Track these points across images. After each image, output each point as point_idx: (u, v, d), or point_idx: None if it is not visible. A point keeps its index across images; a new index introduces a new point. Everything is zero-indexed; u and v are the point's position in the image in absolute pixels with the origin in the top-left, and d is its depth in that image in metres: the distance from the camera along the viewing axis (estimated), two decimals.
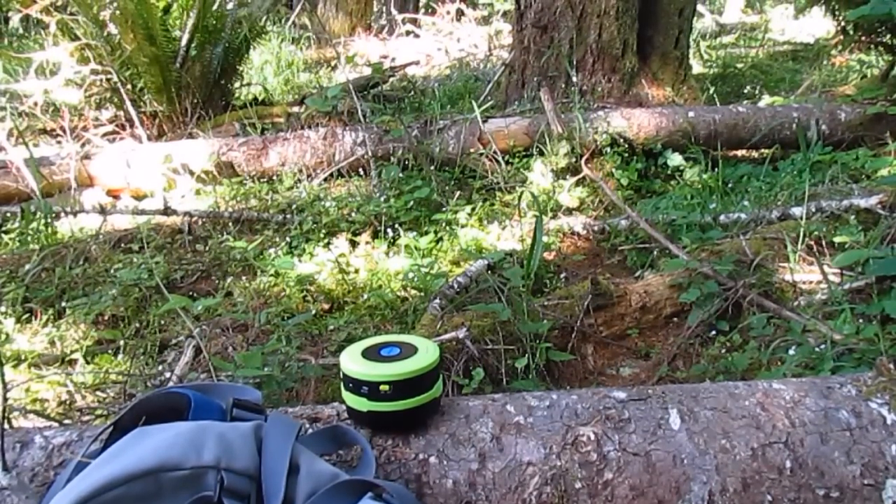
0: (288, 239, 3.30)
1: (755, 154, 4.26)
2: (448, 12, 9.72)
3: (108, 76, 4.74)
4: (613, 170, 3.91)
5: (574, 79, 4.71)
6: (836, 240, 2.69)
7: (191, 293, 2.91)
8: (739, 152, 4.28)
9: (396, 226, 3.33)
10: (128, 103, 4.63)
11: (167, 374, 2.21)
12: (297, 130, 4.34)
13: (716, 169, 3.82)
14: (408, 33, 9.50)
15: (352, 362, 1.14)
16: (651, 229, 3.02)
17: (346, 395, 1.14)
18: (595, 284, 2.50)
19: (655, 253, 2.98)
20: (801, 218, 2.89)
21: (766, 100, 4.94)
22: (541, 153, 3.98)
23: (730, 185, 3.76)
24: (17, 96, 4.85)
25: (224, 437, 0.94)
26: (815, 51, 7.43)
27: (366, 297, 2.76)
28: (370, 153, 4.02)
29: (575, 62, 4.74)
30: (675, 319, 2.55)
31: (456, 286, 2.62)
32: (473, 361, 2.13)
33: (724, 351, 2.30)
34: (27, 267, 2.91)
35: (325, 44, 8.77)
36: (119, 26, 4.76)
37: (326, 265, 2.98)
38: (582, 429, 1.16)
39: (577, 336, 2.42)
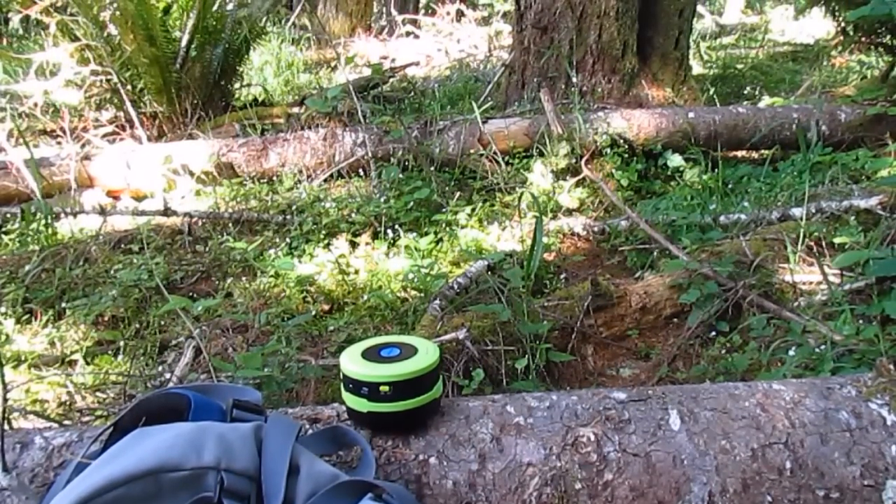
0: (288, 240, 3.30)
1: (755, 155, 4.26)
2: (448, 13, 9.73)
3: (108, 77, 4.74)
4: (613, 170, 3.92)
5: (574, 79, 4.71)
6: (836, 241, 2.69)
7: (191, 294, 2.91)
8: (739, 153, 4.28)
9: (396, 226, 3.33)
10: (128, 104, 4.63)
11: (167, 375, 2.21)
12: (297, 131, 4.34)
13: (716, 170, 3.82)
14: (408, 34, 9.50)
15: (352, 363, 1.14)
16: (651, 230, 3.01)
17: (346, 395, 1.14)
18: (595, 285, 2.50)
19: (655, 254, 2.98)
20: (801, 219, 2.89)
21: (766, 100, 4.94)
22: (541, 154, 3.98)
23: (730, 186, 3.76)
24: (17, 97, 4.85)
25: (224, 437, 0.94)
26: (815, 51, 7.44)
27: (366, 297, 2.76)
28: (370, 154, 4.02)
29: (575, 63, 4.74)
30: (675, 320, 2.55)
31: (456, 287, 2.62)
32: (473, 362, 2.13)
33: (724, 352, 2.30)
34: (27, 268, 2.91)
35: (325, 44, 8.77)
36: (119, 27, 4.76)
37: (326, 266, 2.98)
38: (582, 429, 1.16)
39: (577, 337, 2.42)
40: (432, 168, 3.88)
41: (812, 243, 2.71)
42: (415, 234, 3.30)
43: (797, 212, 3.01)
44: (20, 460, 1.12)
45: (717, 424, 1.18)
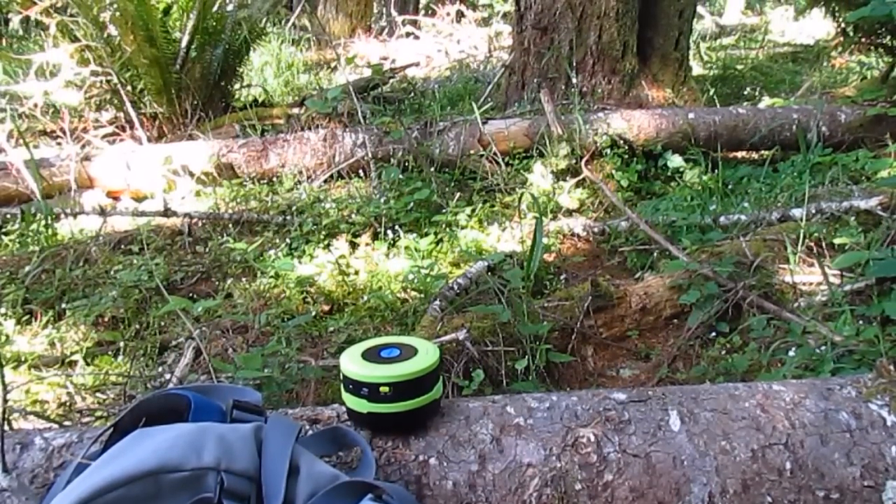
0: (288, 240, 3.30)
1: (755, 155, 4.26)
2: (448, 14, 9.73)
3: (108, 78, 4.74)
4: (613, 171, 3.91)
5: (574, 80, 4.71)
6: (837, 241, 2.69)
7: (191, 295, 2.91)
8: (739, 154, 4.28)
9: (396, 227, 3.33)
10: (128, 105, 4.63)
11: (167, 376, 2.21)
12: (297, 132, 4.34)
13: (716, 170, 3.82)
14: (408, 35, 9.50)
15: (352, 364, 1.14)
16: (651, 231, 3.01)
17: (346, 396, 1.14)
18: (595, 286, 2.50)
19: (655, 254, 2.98)
20: (802, 219, 2.89)
21: (766, 101, 4.94)
22: (541, 155, 3.98)
23: (730, 187, 3.76)
24: (17, 98, 4.85)
25: (224, 438, 0.94)
26: (815, 52, 7.44)
27: (366, 298, 2.76)
28: (370, 155, 4.02)
29: (575, 64, 4.74)
30: (675, 321, 2.55)
31: (456, 288, 2.62)
32: (473, 363, 2.13)
33: (724, 352, 2.30)
34: (27, 268, 2.91)
35: (325, 45, 8.78)
36: (119, 28, 4.76)
37: (326, 267, 2.98)
38: (582, 430, 1.16)
39: (577, 337, 2.41)
40: (432, 169, 3.88)
41: (812, 244, 2.71)
42: (415, 234, 3.30)
43: (797, 212, 3.01)
44: (20, 461, 1.12)
45: (717, 425, 1.18)
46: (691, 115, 4.11)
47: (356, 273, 3.00)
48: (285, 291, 2.84)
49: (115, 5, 4.70)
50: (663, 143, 4.04)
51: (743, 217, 3.15)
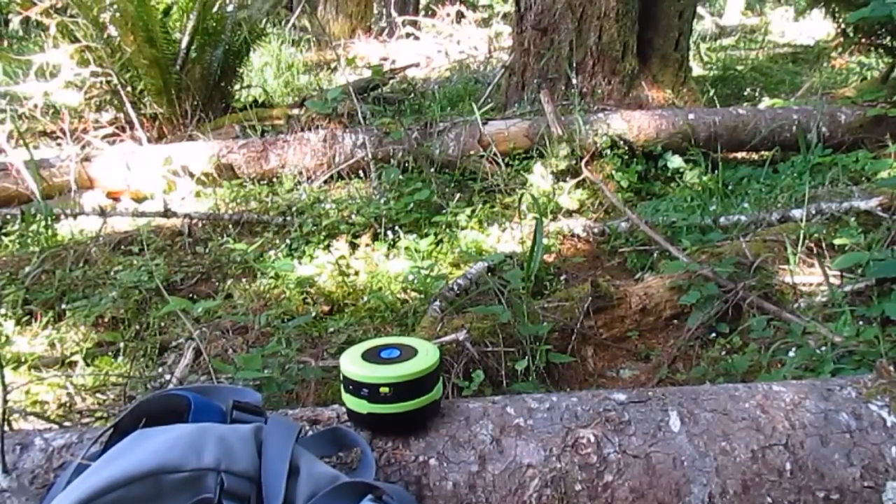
0: (288, 241, 3.30)
1: (755, 156, 4.26)
2: (448, 14, 9.74)
3: (108, 78, 4.74)
4: (613, 172, 3.91)
5: (574, 81, 4.71)
6: (837, 242, 2.69)
7: (191, 295, 2.90)
8: (739, 154, 4.28)
9: (396, 228, 3.33)
10: (128, 105, 4.63)
11: (167, 377, 2.21)
12: (297, 132, 4.34)
13: (716, 171, 3.82)
14: (408, 35, 9.51)
15: (352, 364, 1.14)
16: (651, 231, 3.01)
17: (346, 397, 1.14)
18: (595, 286, 2.50)
19: (655, 255, 2.98)
20: (802, 220, 2.89)
21: (766, 102, 4.94)
22: (541, 155, 3.98)
23: (730, 188, 3.76)
24: (17, 98, 4.85)
25: (224, 439, 0.94)
26: (815, 53, 7.44)
27: (366, 299, 2.76)
28: (370, 155, 4.02)
29: (575, 64, 4.74)
30: (675, 321, 2.55)
31: (456, 288, 2.62)
32: (473, 363, 2.13)
33: (724, 353, 2.30)
34: (27, 269, 2.91)
35: (325, 46, 8.78)
36: (119, 28, 4.76)
37: (326, 267, 2.98)
38: (582, 431, 1.16)
39: (577, 338, 2.41)
40: (432, 169, 3.88)
41: (812, 245, 2.71)
42: (415, 235, 3.30)
43: (797, 213, 3.01)
44: (20, 462, 1.12)
45: (717, 426, 1.18)
46: (691, 116, 4.11)
47: (356, 274, 3.00)
48: (285, 292, 2.84)
49: (116, 6, 4.70)
50: (663, 144, 4.04)
51: (743, 218, 3.15)
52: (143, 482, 0.86)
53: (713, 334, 2.41)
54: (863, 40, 4.81)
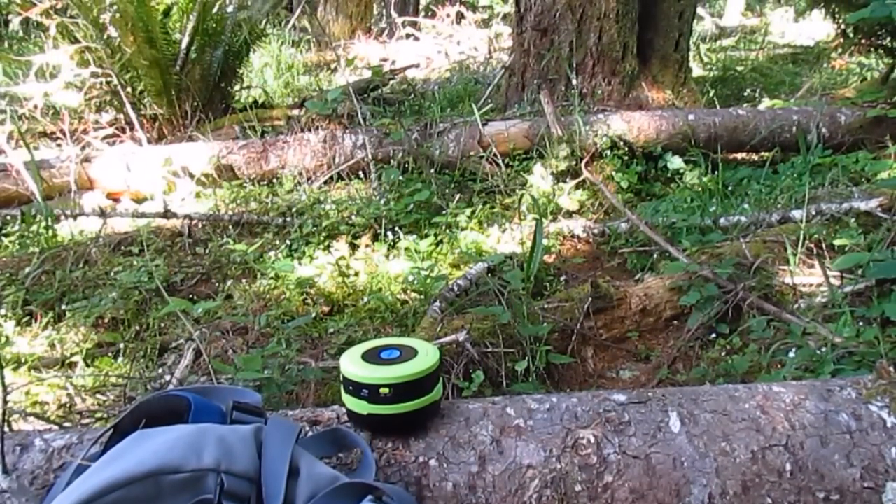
0: (288, 242, 3.30)
1: (755, 157, 4.26)
2: (448, 15, 9.73)
3: (108, 79, 4.75)
4: (613, 173, 3.91)
5: (574, 82, 4.72)
6: (836, 243, 2.69)
7: (191, 296, 2.90)
8: (739, 155, 4.28)
9: (396, 229, 3.33)
10: (128, 106, 4.63)
11: (167, 377, 2.21)
12: (297, 133, 4.34)
13: (716, 172, 3.82)
14: (408, 36, 9.51)
15: (352, 365, 1.14)
16: (651, 232, 3.02)
17: (346, 397, 1.15)
18: (595, 287, 2.50)
19: (655, 256, 2.98)
20: (801, 221, 2.89)
21: (766, 103, 4.94)
22: (541, 156, 3.98)
23: (730, 188, 3.76)
24: (17, 99, 4.85)
25: (224, 439, 0.94)
26: (815, 54, 7.45)
27: (366, 300, 2.76)
28: (370, 156, 4.02)
29: (575, 65, 4.74)
30: (675, 322, 2.55)
31: (456, 289, 2.62)
32: (473, 364, 2.13)
33: (724, 354, 2.30)
34: (27, 270, 2.91)
35: (325, 47, 8.78)
36: (119, 29, 4.77)
37: (326, 268, 2.98)
38: (582, 432, 1.16)
39: (577, 339, 2.41)
40: (432, 170, 3.88)
41: (812, 245, 2.71)
42: (415, 236, 3.30)
43: (797, 214, 3.01)
44: (20, 462, 1.12)
45: (717, 426, 1.18)
46: (691, 117, 4.11)
47: (356, 274, 3.00)
48: (285, 293, 2.84)
49: (116, 7, 4.70)
50: (663, 145, 4.04)
51: (743, 218, 3.15)
52: (143, 483, 0.86)
53: (713, 335, 2.41)
54: (863, 41, 4.82)
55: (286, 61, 7.31)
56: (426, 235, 3.32)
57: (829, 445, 1.16)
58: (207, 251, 3.27)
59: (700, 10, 9.65)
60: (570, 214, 3.63)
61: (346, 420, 1.18)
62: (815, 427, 1.18)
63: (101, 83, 4.84)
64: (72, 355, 2.47)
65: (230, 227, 3.49)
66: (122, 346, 2.53)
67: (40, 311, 2.74)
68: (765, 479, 1.13)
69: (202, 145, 4.21)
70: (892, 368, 1.27)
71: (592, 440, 1.15)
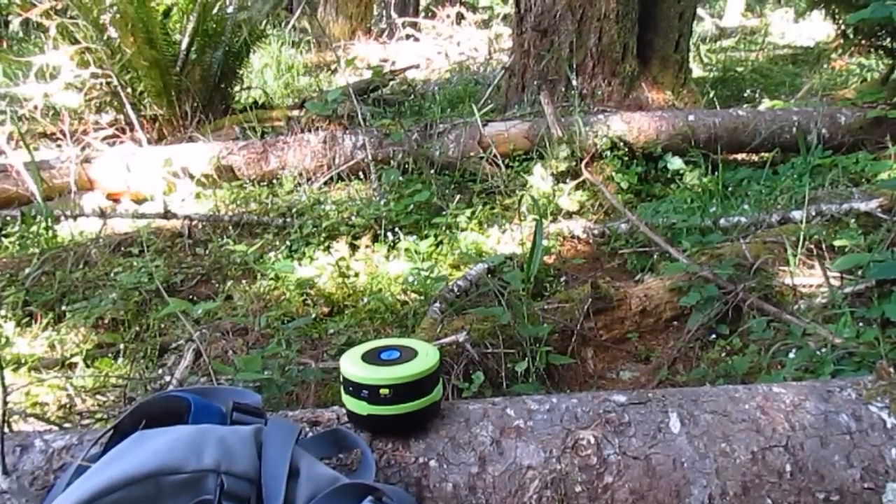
0: (288, 242, 3.30)
1: (755, 158, 4.26)
2: (448, 16, 9.74)
3: (108, 80, 4.75)
4: (613, 173, 3.92)
5: (574, 82, 4.72)
6: (837, 243, 2.69)
7: (191, 297, 2.90)
8: (739, 156, 4.28)
9: (396, 229, 3.33)
10: (128, 107, 4.63)
11: (167, 378, 2.21)
12: (297, 134, 4.34)
13: (716, 172, 3.82)
14: (408, 37, 9.51)
15: (352, 366, 1.14)
16: (651, 233, 3.02)
17: (346, 398, 1.14)
18: (595, 288, 2.50)
19: (655, 256, 2.98)
20: (802, 221, 2.89)
21: (766, 103, 4.94)
22: (541, 157, 3.98)
23: (730, 189, 3.76)
24: (17, 100, 4.85)
25: (224, 440, 0.94)
26: (815, 54, 7.45)
27: (366, 300, 2.76)
28: (370, 157, 4.02)
29: (575, 66, 4.74)
30: (676, 323, 2.55)
31: (456, 290, 2.62)
32: (473, 365, 2.13)
33: (724, 354, 2.30)
34: (27, 270, 2.91)
35: (325, 47, 8.78)
36: (119, 30, 4.77)
37: (326, 269, 2.98)
38: (582, 432, 1.16)
39: (577, 339, 2.41)
40: (432, 171, 3.88)
41: (812, 246, 2.71)
42: (415, 236, 3.30)
43: (797, 215, 3.01)
44: (20, 463, 1.12)
45: (717, 427, 1.18)
46: (691, 118, 4.11)
47: (356, 275, 3.00)
48: (285, 293, 2.84)
49: (116, 7, 4.70)
50: (663, 146, 4.04)
51: (743, 219, 3.15)
52: (143, 483, 0.86)
53: (713, 336, 2.41)
54: (863, 42, 4.82)
55: (286, 62, 7.31)
56: (426, 236, 3.32)
57: (829, 446, 1.16)
58: (207, 252, 3.27)
59: (700, 11, 9.65)
60: (570, 215, 3.63)
61: (346, 421, 1.18)
62: (816, 428, 1.18)
63: (101, 84, 4.84)
64: (72, 356, 2.47)
65: (230, 227, 3.49)
66: (122, 346, 2.53)
67: (40, 311, 2.74)
68: (765, 480, 1.13)
69: (202, 146, 4.21)
70: (892, 369, 1.27)
71: (592, 441, 1.15)
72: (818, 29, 8.65)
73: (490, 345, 2.22)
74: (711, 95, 5.07)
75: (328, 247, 3.23)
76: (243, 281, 2.99)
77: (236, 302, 2.79)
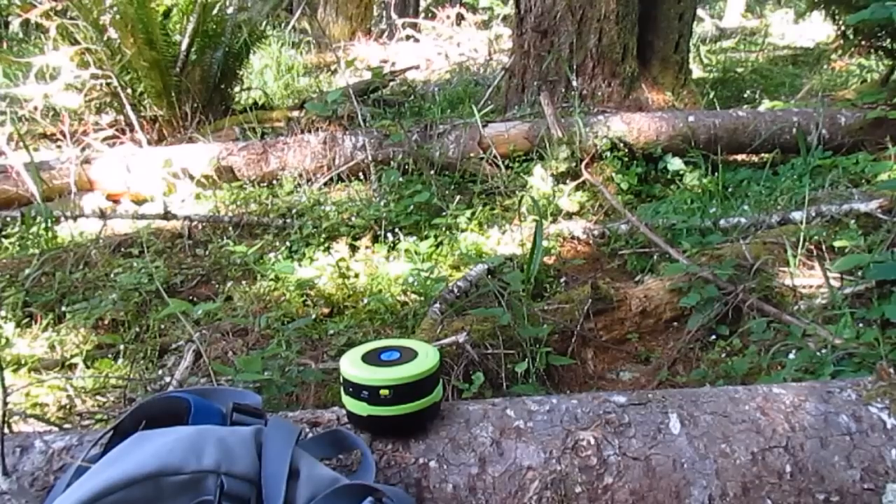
0: (288, 243, 3.30)
1: (755, 158, 4.26)
2: (448, 17, 9.74)
3: (108, 80, 4.75)
4: (613, 174, 3.92)
5: (574, 83, 4.72)
6: (837, 244, 2.69)
7: (191, 298, 2.90)
8: (739, 157, 4.28)
9: (396, 230, 3.33)
10: (128, 108, 4.63)
11: (167, 379, 2.21)
12: (298, 135, 4.34)
13: (716, 173, 3.82)
14: (408, 38, 9.51)
15: (352, 367, 1.14)
16: (651, 234, 3.02)
17: (346, 399, 1.14)
18: (595, 289, 2.50)
19: (655, 257, 2.98)
20: (802, 222, 2.89)
21: (766, 104, 4.94)
22: (541, 157, 3.98)
23: (730, 190, 3.76)
24: (17, 100, 4.86)
25: (224, 441, 0.94)
26: (815, 55, 7.45)
27: (366, 301, 2.76)
28: (370, 157, 4.02)
29: (575, 66, 4.75)
30: (675, 324, 2.55)
31: (456, 291, 2.62)
32: (473, 366, 2.13)
33: (724, 355, 2.30)
34: (27, 271, 2.91)
35: (325, 48, 8.78)
36: (119, 31, 4.77)
37: (326, 270, 2.98)
38: (582, 433, 1.16)
39: (577, 340, 2.41)
40: (432, 172, 3.88)
41: (812, 247, 2.71)
42: (415, 237, 3.30)
43: (797, 215, 3.01)
44: (20, 464, 1.12)
45: (717, 428, 1.18)
46: (691, 118, 4.11)
47: (356, 276, 3.00)
48: (285, 294, 2.84)
49: (116, 8, 4.71)
50: (663, 146, 4.04)
51: (743, 220, 3.15)
52: (143, 484, 0.86)
53: (713, 336, 2.41)
54: (863, 42, 4.82)
55: (286, 63, 7.31)
56: (426, 237, 3.32)
57: (829, 447, 1.16)
58: (207, 253, 3.28)
59: (700, 12, 9.65)
60: (570, 216, 3.63)
61: (346, 422, 1.18)
62: (815, 429, 1.18)
63: (101, 85, 4.85)
64: (72, 357, 2.47)
65: (230, 228, 3.49)
66: (122, 347, 2.53)
67: (40, 312, 2.74)
68: (765, 481, 1.13)
69: (202, 147, 4.21)
70: (891, 370, 1.27)
71: (592, 442, 1.15)
72: (818, 30, 8.65)
73: (490, 346, 2.22)
74: (711, 96, 5.08)
75: (328, 248, 3.23)
76: (243, 282, 2.99)
77: (236, 303, 2.79)
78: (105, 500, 0.84)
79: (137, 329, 2.66)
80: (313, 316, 2.65)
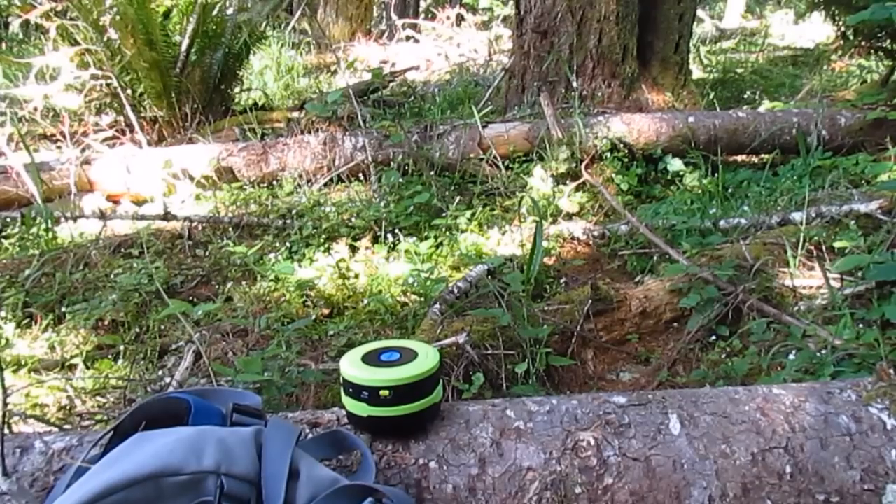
0: (288, 244, 3.30)
1: (755, 159, 4.26)
2: (448, 17, 9.75)
3: (108, 81, 4.75)
4: (613, 175, 3.92)
5: (574, 84, 4.72)
6: (837, 245, 2.69)
7: (191, 298, 2.90)
8: (739, 157, 4.28)
9: (396, 231, 3.33)
10: (128, 108, 4.63)
11: (167, 380, 2.21)
12: (297, 135, 4.34)
13: (716, 174, 3.82)
14: (408, 38, 9.51)
15: (352, 367, 1.14)
16: (651, 234, 3.02)
17: (346, 400, 1.14)
18: (595, 289, 2.50)
19: (655, 258, 2.98)
20: (802, 223, 2.89)
21: (766, 105, 4.94)
22: (541, 158, 3.98)
23: (730, 190, 3.76)
24: (17, 101, 4.85)
25: (224, 442, 0.94)
26: (815, 56, 7.45)
27: (366, 302, 2.76)
28: (370, 158, 4.02)
29: (575, 67, 4.75)
30: (675, 324, 2.55)
31: (456, 291, 2.62)
32: (473, 366, 2.13)
33: (724, 356, 2.29)
34: (27, 272, 2.91)
35: (325, 49, 8.78)
36: (119, 31, 4.77)
37: (326, 270, 2.98)
38: (582, 434, 1.16)
39: (577, 341, 2.41)
40: (432, 172, 3.88)
41: (812, 248, 2.71)
42: (415, 238, 3.30)
43: (797, 216, 3.01)
44: (20, 465, 1.12)
45: (717, 429, 1.18)
46: (691, 119, 4.11)
47: (356, 277, 3.00)
48: (285, 295, 2.84)
49: (116, 9, 4.71)
50: (663, 147, 4.04)
51: (743, 221, 3.15)
52: (142, 485, 0.86)
53: (713, 337, 2.41)
54: (863, 43, 4.82)
55: (286, 63, 7.32)
56: (426, 237, 3.32)
57: (829, 448, 1.16)
58: (207, 253, 3.28)
59: (700, 13, 9.66)
60: (569, 217, 3.63)
61: (346, 422, 1.18)
62: (815, 429, 1.18)
63: (101, 85, 4.85)
64: (72, 357, 2.47)
65: (230, 229, 3.49)
66: (122, 348, 2.53)
67: (40, 313, 2.74)
68: (765, 482, 1.13)
69: (202, 147, 4.21)
70: (892, 371, 1.27)
71: (592, 442, 1.15)
72: (818, 30, 8.66)
73: (490, 346, 2.22)
74: (711, 97, 5.08)
75: (328, 248, 3.23)
76: (243, 282, 2.99)
77: (236, 303, 2.79)
78: (105, 500, 0.84)
79: (137, 330, 2.66)
80: (313, 317, 2.65)
